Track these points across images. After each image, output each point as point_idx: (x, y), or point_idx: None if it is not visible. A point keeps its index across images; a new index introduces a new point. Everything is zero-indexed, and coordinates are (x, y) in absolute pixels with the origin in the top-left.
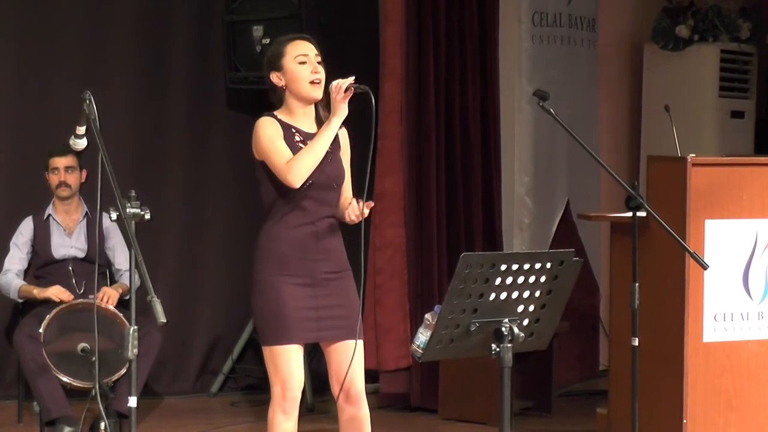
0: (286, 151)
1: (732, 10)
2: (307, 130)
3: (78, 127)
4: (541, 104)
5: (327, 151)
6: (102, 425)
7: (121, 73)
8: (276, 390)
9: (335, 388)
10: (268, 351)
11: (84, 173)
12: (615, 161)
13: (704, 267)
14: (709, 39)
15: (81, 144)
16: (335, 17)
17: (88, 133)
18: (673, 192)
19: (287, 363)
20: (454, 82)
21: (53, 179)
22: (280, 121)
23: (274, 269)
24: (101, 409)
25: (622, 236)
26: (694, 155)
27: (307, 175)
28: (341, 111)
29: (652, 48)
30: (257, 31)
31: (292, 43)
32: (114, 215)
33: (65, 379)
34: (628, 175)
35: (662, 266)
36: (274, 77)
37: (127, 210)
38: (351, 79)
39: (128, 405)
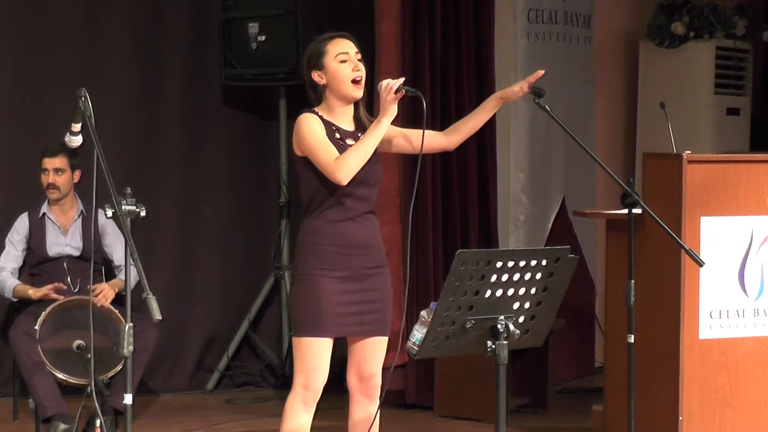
0: (332, 148)
1: (727, 7)
2: (345, 128)
3: (73, 125)
4: (536, 101)
5: None
6: (98, 422)
7: (117, 70)
8: (299, 380)
9: (352, 380)
10: (298, 342)
11: (78, 173)
12: (611, 158)
13: (700, 264)
14: (705, 36)
15: (76, 141)
16: (330, 14)
17: (84, 131)
18: (668, 189)
19: (317, 355)
20: (449, 79)
21: (43, 180)
22: (320, 117)
23: (314, 264)
24: (96, 406)
25: (617, 233)
26: (689, 152)
27: (355, 173)
28: (391, 111)
29: (647, 45)
30: (253, 28)
31: (332, 41)
32: (110, 212)
33: (61, 376)
34: (624, 172)
35: (658, 263)
36: (316, 76)
37: (123, 207)
38: (401, 80)
39: (124, 402)
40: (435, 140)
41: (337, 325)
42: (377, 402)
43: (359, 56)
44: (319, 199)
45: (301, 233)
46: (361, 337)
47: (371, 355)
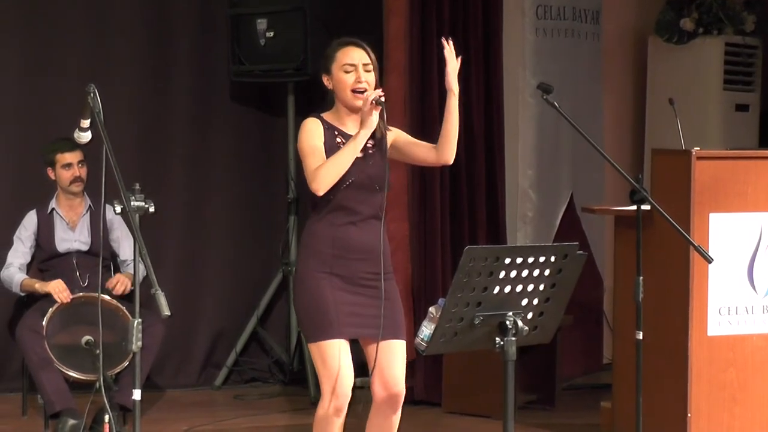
0: (320, 156)
1: (736, 3)
2: (352, 133)
3: (82, 121)
4: (544, 97)
5: (368, 152)
6: (106, 418)
7: (125, 66)
8: (326, 387)
9: (376, 387)
10: (313, 348)
11: None
12: (619, 154)
13: (709, 261)
14: (714, 32)
15: (85, 137)
16: (339, 10)
17: (92, 127)
18: (677, 185)
19: (333, 358)
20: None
21: (66, 175)
22: (324, 122)
23: (315, 266)
24: (105, 402)
25: (626, 230)
26: (698, 148)
27: (332, 184)
28: (369, 123)
29: (656, 41)
30: (261, 24)
31: (342, 49)
32: (118, 208)
33: (68, 372)
34: (633, 169)
35: (666, 260)
36: (325, 80)
37: (132, 203)
38: (379, 92)
39: (132, 398)
40: (428, 153)
41: (343, 324)
42: (398, 412)
43: (369, 67)
44: (323, 202)
45: (304, 234)
46: (372, 340)
47: (388, 359)
